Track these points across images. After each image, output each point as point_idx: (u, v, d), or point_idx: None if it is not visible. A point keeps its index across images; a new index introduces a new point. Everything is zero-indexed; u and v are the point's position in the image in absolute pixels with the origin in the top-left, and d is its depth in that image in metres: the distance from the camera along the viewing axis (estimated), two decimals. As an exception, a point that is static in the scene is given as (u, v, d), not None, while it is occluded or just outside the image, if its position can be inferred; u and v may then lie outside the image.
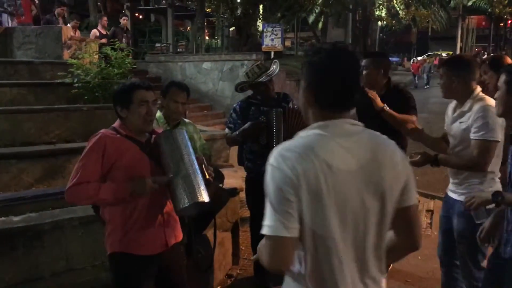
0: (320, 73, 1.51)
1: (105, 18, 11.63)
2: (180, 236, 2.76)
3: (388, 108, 3.59)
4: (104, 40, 10.15)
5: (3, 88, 5.69)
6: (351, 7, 6.04)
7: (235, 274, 4.40)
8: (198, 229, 3.55)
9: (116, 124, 2.59)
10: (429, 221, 5.63)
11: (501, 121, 2.84)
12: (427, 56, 41.98)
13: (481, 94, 3.05)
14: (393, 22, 14.50)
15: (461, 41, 42.16)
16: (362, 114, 3.89)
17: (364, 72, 3.80)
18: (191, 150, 2.59)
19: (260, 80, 3.72)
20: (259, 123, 3.71)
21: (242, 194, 4.50)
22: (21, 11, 10.76)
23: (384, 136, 1.59)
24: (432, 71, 23.56)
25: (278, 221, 1.42)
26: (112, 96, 2.68)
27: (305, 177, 1.41)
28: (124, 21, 11.93)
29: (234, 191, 4.48)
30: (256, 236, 4.16)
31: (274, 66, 3.82)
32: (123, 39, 11.15)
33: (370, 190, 1.48)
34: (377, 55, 4.17)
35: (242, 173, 4.34)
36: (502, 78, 2.46)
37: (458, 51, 41.03)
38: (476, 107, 2.94)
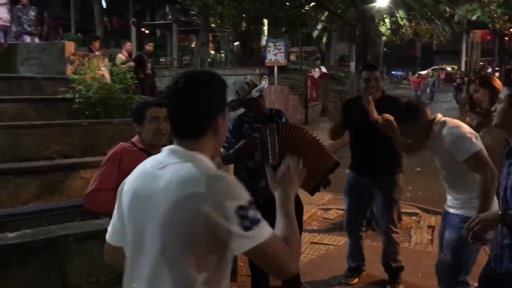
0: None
1: (129, 44, 11.99)
2: None
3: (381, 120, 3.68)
4: (131, 64, 10.53)
5: (5, 103, 5.73)
6: (354, 22, 6.12)
7: (232, 291, 4.37)
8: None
9: (135, 138, 2.87)
10: (430, 237, 5.57)
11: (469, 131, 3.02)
12: (432, 70, 42.03)
13: (441, 119, 3.21)
14: (394, 37, 14.57)
15: (466, 55, 42.18)
16: (358, 125, 3.98)
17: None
18: None
19: (251, 96, 3.72)
20: (251, 140, 3.71)
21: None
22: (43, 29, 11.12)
23: None
24: (437, 85, 23.51)
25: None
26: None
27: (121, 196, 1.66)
28: (149, 47, 12.18)
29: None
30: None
31: (264, 82, 3.84)
32: (148, 64, 11.36)
33: None
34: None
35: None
36: (505, 92, 2.50)
37: (463, 66, 41.06)
38: (440, 134, 3.10)
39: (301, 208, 4.20)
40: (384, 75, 36.80)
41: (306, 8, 6.70)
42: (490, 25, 21.92)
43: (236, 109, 3.96)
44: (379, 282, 4.43)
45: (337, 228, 6.04)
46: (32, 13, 10.80)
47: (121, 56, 11.29)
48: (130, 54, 12.01)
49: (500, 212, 2.36)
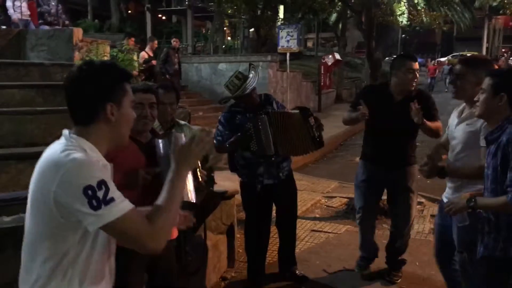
0: None
1: (155, 42, 11.70)
2: (173, 233, 2.89)
3: (426, 122, 3.67)
4: (154, 62, 10.45)
5: (12, 89, 5.80)
6: (359, 9, 6.01)
7: (229, 277, 4.42)
8: (188, 231, 3.58)
9: None
10: (432, 227, 5.52)
11: None
12: (452, 57, 41.26)
13: None
14: (410, 24, 14.29)
15: (487, 41, 41.30)
16: (382, 116, 3.82)
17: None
18: None
19: (245, 93, 3.73)
20: (246, 131, 3.73)
21: (238, 197, 4.51)
22: (63, 18, 11.10)
23: None
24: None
25: None
26: None
27: None
28: (175, 43, 12.12)
29: (229, 194, 4.49)
30: (250, 239, 4.19)
31: (253, 73, 3.81)
32: (175, 59, 11.33)
33: None
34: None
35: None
36: (487, 81, 2.49)
37: (484, 52, 40.22)
38: None
39: (295, 193, 4.22)
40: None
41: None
42: (501, 11, 21.32)
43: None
44: (377, 272, 4.33)
45: (340, 216, 6.04)
46: (53, 3, 10.63)
47: (143, 55, 10.87)
48: (154, 51, 11.74)
49: (467, 197, 2.54)
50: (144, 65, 10.50)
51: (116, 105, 1.65)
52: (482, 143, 2.80)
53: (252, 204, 4.10)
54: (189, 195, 2.50)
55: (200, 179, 2.79)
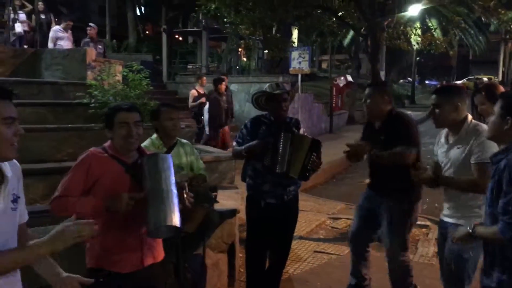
0: None
1: (204, 78, 11.23)
2: (159, 256, 2.81)
3: (375, 151, 3.76)
4: (203, 100, 9.89)
5: (25, 107, 5.97)
6: (365, 33, 6.00)
7: (229, 296, 4.43)
8: (187, 249, 3.62)
9: (107, 143, 2.75)
10: (436, 250, 5.47)
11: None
12: (467, 80, 41.06)
13: (473, 120, 3.23)
14: (423, 47, 14.37)
15: (504, 65, 41.05)
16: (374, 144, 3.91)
17: (368, 100, 3.97)
18: (172, 174, 2.64)
19: (276, 92, 3.83)
20: (266, 143, 3.79)
21: (242, 217, 4.54)
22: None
23: None
24: None
25: None
26: None
27: None
28: (223, 86, 10.48)
29: (230, 213, 4.54)
30: (250, 256, 4.14)
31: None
32: (223, 97, 10.29)
33: None
34: (379, 84, 4.26)
35: (243, 194, 4.39)
36: (497, 103, 2.50)
37: (500, 76, 39.97)
38: (474, 132, 3.09)
39: (294, 221, 4.17)
40: (416, 84, 36.14)
41: (317, 14, 6.74)
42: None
43: (260, 104, 4.02)
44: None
45: (344, 237, 6.00)
46: (100, 47, 10.91)
47: (194, 92, 10.55)
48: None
49: (469, 229, 2.55)
50: (194, 103, 10.26)
51: None
52: (473, 159, 3.01)
53: (254, 220, 4.08)
54: (174, 219, 2.46)
55: (186, 202, 2.76)
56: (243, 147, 3.89)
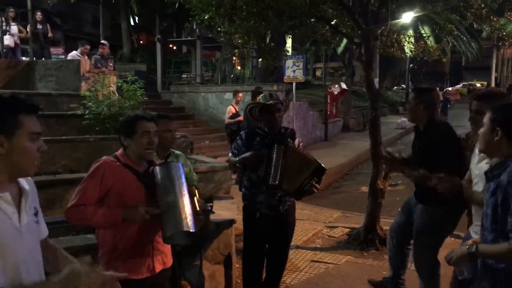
0: None
1: (240, 94, 11.03)
2: (169, 262, 2.92)
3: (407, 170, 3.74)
4: (240, 118, 9.72)
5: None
6: (358, 41, 6.07)
7: (225, 308, 4.39)
8: (183, 261, 3.59)
9: (119, 152, 2.82)
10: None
11: None
12: (461, 86, 41.35)
13: None
14: (415, 54, 14.42)
15: (496, 71, 41.32)
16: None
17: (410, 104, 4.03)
18: (184, 182, 2.74)
19: (269, 103, 3.83)
20: (260, 155, 3.79)
21: (239, 227, 4.51)
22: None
23: None
24: (449, 105, 23.07)
25: None
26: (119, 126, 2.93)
27: None
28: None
29: (227, 223, 4.51)
30: (248, 264, 4.12)
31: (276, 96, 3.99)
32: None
33: None
34: (420, 89, 4.04)
35: (239, 204, 4.37)
36: (488, 115, 2.41)
37: (493, 82, 40.22)
38: None
39: (290, 233, 4.13)
40: (410, 91, 36.25)
41: (311, 23, 6.75)
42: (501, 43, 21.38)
43: (253, 115, 4.02)
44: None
45: (341, 246, 6.00)
46: (111, 64, 10.95)
47: (231, 109, 10.35)
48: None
49: (469, 248, 2.35)
50: (231, 120, 10.14)
51: (7, 137, 1.67)
52: None
53: (250, 230, 4.07)
54: (189, 225, 2.56)
55: (198, 208, 2.84)
56: (237, 158, 3.89)
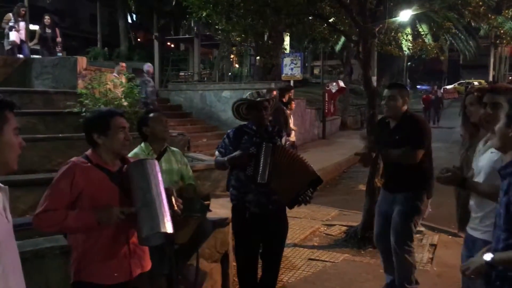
0: None
1: (274, 92, 10.78)
2: (147, 266, 2.75)
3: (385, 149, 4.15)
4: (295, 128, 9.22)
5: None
6: (356, 39, 6.04)
7: (223, 306, 4.38)
8: (180, 260, 3.57)
9: (88, 152, 2.63)
10: (430, 256, 5.47)
11: None
12: (458, 84, 41.35)
13: None
14: (413, 53, 14.43)
15: (494, 69, 41.35)
16: (382, 142, 4.21)
17: (390, 100, 4.20)
18: (160, 180, 2.57)
19: (257, 100, 3.80)
20: (248, 154, 3.76)
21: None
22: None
23: None
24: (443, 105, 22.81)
25: None
26: (85, 123, 2.70)
27: None
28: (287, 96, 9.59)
29: (223, 222, 4.49)
30: (242, 264, 4.07)
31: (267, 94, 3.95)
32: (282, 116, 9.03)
33: None
34: (399, 85, 4.53)
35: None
36: (504, 109, 2.26)
37: (490, 80, 40.26)
38: None
39: (284, 230, 4.10)
40: (408, 89, 36.28)
41: (309, 21, 6.72)
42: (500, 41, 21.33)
43: (240, 113, 3.99)
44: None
45: (338, 244, 5.99)
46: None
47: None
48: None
49: (484, 259, 2.23)
50: None
51: None
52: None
53: (240, 230, 4.04)
54: (166, 225, 2.41)
55: (175, 207, 2.70)
56: (225, 158, 3.85)
